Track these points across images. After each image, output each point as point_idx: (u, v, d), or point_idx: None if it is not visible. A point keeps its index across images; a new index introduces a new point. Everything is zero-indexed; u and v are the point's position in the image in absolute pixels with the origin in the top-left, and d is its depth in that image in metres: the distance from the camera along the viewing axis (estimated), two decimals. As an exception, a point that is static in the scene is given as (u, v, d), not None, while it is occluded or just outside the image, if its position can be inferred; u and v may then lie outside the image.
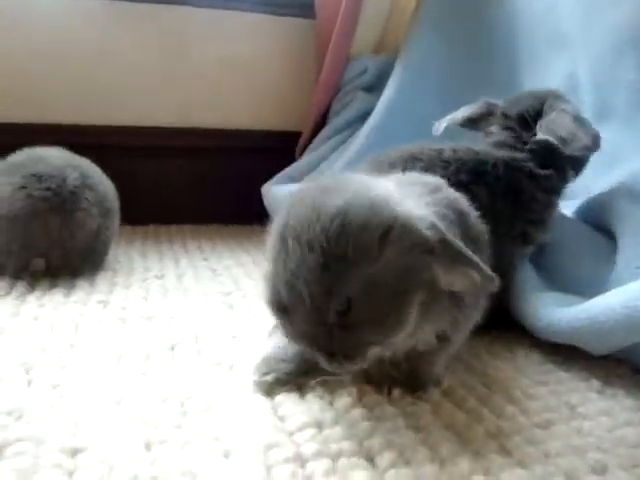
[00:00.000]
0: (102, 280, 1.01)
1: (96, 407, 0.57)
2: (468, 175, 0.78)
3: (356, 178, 0.56)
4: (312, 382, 0.62)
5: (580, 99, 1.18)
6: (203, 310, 0.87)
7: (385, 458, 0.50)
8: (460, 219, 0.59)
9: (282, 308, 0.51)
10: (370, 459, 0.50)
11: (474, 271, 0.52)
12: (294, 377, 0.63)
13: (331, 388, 0.62)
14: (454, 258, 0.52)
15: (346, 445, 0.52)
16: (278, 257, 0.50)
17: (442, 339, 0.59)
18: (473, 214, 0.64)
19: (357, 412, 0.57)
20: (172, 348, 0.73)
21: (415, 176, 0.67)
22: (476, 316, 0.62)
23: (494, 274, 0.53)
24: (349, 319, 0.49)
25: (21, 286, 0.94)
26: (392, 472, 0.48)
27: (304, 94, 1.63)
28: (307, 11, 1.61)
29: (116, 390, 0.61)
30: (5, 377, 0.63)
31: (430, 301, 0.53)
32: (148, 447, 0.51)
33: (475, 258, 0.52)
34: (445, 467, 0.50)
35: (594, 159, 1.11)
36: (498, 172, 0.81)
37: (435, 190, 0.60)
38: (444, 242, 0.51)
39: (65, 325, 0.79)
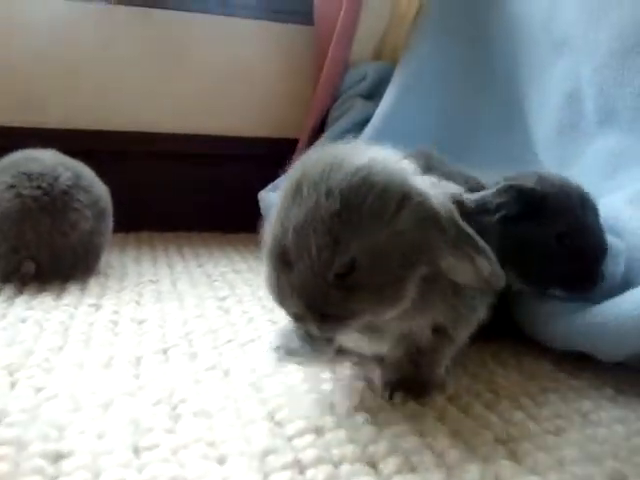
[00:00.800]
0: (94, 284, 0.98)
1: (83, 411, 0.54)
2: None
3: (371, 148, 0.54)
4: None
5: (583, 105, 1.17)
6: (198, 314, 0.84)
7: (390, 464, 0.47)
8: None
9: (284, 259, 0.49)
10: (373, 465, 0.47)
11: (483, 260, 0.50)
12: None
13: (331, 393, 0.59)
14: (464, 242, 0.50)
15: (348, 450, 0.49)
16: (290, 204, 0.49)
17: (441, 334, 0.57)
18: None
19: (359, 417, 0.54)
20: (165, 352, 0.70)
21: None
22: (480, 312, 0.60)
23: (501, 273, 0.51)
24: (349, 281, 0.48)
25: (9, 289, 0.91)
26: (397, 478, 0.46)
27: (302, 101, 1.61)
28: (306, 18, 1.60)
29: (105, 394, 0.58)
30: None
31: (431, 282, 0.52)
32: (137, 452, 0.48)
33: (486, 247, 0.50)
34: (453, 473, 0.47)
35: (598, 165, 1.10)
36: None
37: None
38: (456, 224, 0.50)
39: (54, 328, 0.76)
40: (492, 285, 0.53)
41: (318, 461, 0.47)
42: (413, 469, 0.47)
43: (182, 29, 1.55)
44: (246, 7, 1.60)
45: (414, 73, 1.40)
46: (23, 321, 0.78)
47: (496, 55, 1.36)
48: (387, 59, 1.53)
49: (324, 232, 0.47)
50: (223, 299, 0.93)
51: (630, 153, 1.03)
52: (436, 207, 0.50)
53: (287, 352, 0.58)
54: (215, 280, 1.05)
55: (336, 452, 0.48)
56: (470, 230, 0.51)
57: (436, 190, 0.53)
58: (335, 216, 0.47)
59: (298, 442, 0.50)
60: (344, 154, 0.50)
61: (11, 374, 0.61)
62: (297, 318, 0.51)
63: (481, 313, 0.60)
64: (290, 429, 0.52)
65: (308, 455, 0.48)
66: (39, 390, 0.58)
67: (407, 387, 0.59)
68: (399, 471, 0.47)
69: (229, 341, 0.74)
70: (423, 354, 0.58)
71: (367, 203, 0.47)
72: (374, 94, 1.50)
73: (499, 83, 1.35)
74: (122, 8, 1.50)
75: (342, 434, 0.51)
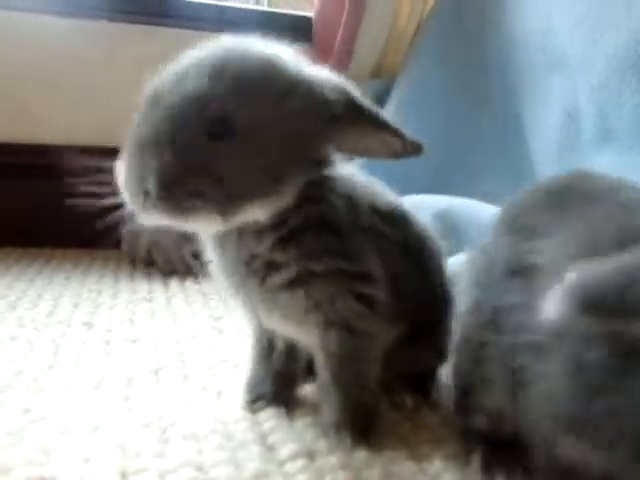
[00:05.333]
0: (86, 301, 0.96)
1: (70, 433, 0.53)
2: None
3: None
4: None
5: (582, 124, 1.17)
6: (192, 334, 0.83)
7: (384, 490, 0.46)
8: None
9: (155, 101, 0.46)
10: (367, 491, 0.46)
11: (392, 137, 0.49)
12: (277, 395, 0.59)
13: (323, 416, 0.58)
14: (366, 123, 0.49)
15: (341, 476, 0.47)
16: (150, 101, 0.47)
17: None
18: None
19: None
20: (156, 372, 0.69)
21: None
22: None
23: (419, 140, 0.50)
24: (223, 144, 0.45)
25: (3, 305, 0.90)
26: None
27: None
28: (305, 35, 1.60)
29: (94, 415, 0.56)
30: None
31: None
32: (124, 476, 0.46)
33: (393, 123, 0.49)
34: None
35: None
36: None
37: None
38: (352, 105, 0.48)
39: (45, 346, 0.75)
40: (411, 153, 0.50)
41: (309, 486, 0.46)
42: (407, 495, 0.46)
43: (182, 46, 1.55)
44: (245, 24, 1.60)
45: (413, 90, 1.40)
46: (13, 339, 0.77)
47: (493, 73, 1.36)
48: (385, 77, 1.53)
49: (207, 79, 0.44)
50: (218, 319, 0.91)
51: (628, 171, 1.02)
52: (324, 93, 0.48)
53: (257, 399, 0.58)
54: (211, 299, 1.04)
55: (329, 478, 0.47)
56: (371, 108, 0.49)
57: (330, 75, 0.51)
58: (220, 70, 0.45)
59: (290, 467, 0.49)
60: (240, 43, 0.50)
61: (-2, 394, 0.60)
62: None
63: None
64: (282, 453, 0.50)
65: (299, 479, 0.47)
66: (26, 411, 0.57)
67: (345, 427, 0.53)
68: (393, 497, 0.46)
69: (223, 361, 0.73)
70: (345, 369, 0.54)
71: (256, 72, 0.45)
72: (372, 111, 1.50)
73: (496, 101, 1.35)
74: (122, 24, 1.50)
75: (335, 459, 0.50)
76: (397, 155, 0.50)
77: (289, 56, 0.49)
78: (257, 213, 0.47)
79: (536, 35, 1.27)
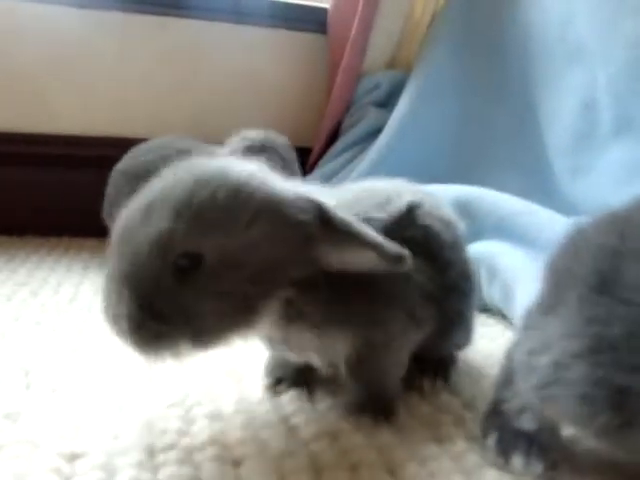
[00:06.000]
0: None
1: (97, 412, 0.54)
2: None
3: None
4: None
5: (599, 114, 1.16)
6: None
7: (407, 470, 0.46)
8: None
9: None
10: (391, 471, 0.47)
11: (371, 251, 0.47)
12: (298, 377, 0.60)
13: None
14: (343, 240, 0.47)
15: (365, 455, 0.48)
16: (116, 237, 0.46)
17: (372, 346, 0.53)
18: None
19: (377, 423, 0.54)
20: (178, 355, 0.69)
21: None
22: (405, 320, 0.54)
23: (402, 251, 0.48)
24: (192, 279, 0.43)
25: (24, 291, 0.91)
26: (416, 484, 0.45)
27: (315, 109, 1.61)
28: (320, 26, 1.61)
29: (119, 395, 0.57)
30: (3, 380, 0.59)
31: (300, 299, 0.49)
32: (151, 453, 0.47)
33: (372, 236, 0.47)
34: (470, 478, 0.46)
35: (613, 174, 1.09)
36: None
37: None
38: (326, 224, 0.47)
39: (68, 331, 0.76)
40: (396, 266, 0.48)
41: (335, 465, 0.47)
42: (432, 475, 0.47)
43: (195, 37, 1.56)
44: (259, 15, 1.61)
45: (428, 81, 1.40)
46: (38, 323, 0.78)
47: (510, 64, 1.36)
48: (401, 68, 1.53)
49: (170, 214, 0.43)
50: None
51: (646, 161, 1.02)
52: (296, 214, 0.46)
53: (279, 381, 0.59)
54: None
55: (353, 458, 0.48)
56: (347, 223, 0.47)
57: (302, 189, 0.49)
58: (185, 203, 0.43)
59: (314, 446, 0.49)
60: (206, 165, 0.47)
61: (26, 375, 0.61)
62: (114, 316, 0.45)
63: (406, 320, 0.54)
64: (305, 433, 0.51)
65: (324, 459, 0.47)
66: (54, 391, 0.58)
67: (366, 409, 0.55)
68: (417, 476, 0.46)
69: (245, 345, 0.74)
70: (366, 370, 0.55)
71: (221, 201, 0.44)
72: (387, 103, 1.50)
73: (513, 91, 1.35)
74: (137, 15, 1.51)
75: (359, 439, 0.50)
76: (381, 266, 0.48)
77: (260, 177, 0.47)
78: (236, 338, 0.48)
79: (554, 25, 1.27)
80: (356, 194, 0.58)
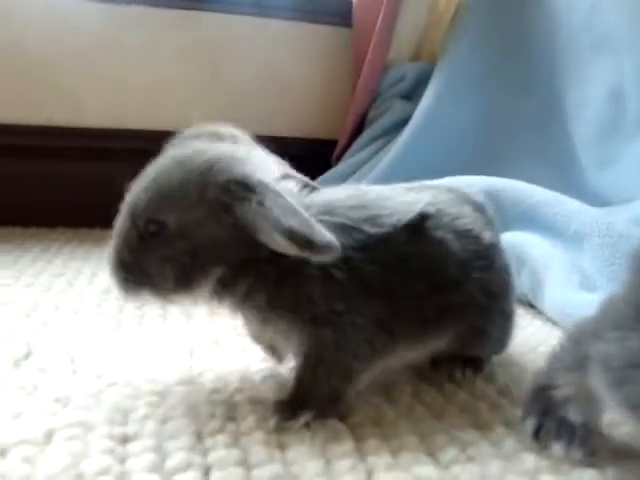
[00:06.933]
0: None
1: (143, 398, 0.55)
2: None
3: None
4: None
5: (626, 104, 1.16)
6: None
7: (448, 454, 0.48)
8: None
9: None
10: (432, 455, 0.48)
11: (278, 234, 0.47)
12: None
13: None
14: (258, 217, 0.48)
15: (407, 440, 0.49)
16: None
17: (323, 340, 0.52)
18: None
19: (417, 410, 0.55)
20: (216, 343, 0.71)
21: None
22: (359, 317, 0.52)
23: (329, 239, 0.47)
24: (155, 243, 0.51)
25: (61, 281, 0.94)
26: (456, 468, 0.46)
27: (341, 101, 1.62)
28: (344, 19, 1.61)
29: (162, 382, 0.59)
30: (50, 366, 0.61)
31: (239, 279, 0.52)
32: (200, 437, 0.49)
33: (300, 217, 0.47)
34: (510, 463, 0.47)
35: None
36: None
37: None
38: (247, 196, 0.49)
39: (106, 320, 0.78)
40: (321, 253, 0.47)
41: (378, 449, 0.48)
42: (471, 459, 0.48)
43: (220, 30, 1.57)
44: (283, 8, 1.61)
45: (453, 72, 1.40)
46: (76, 313, 0.80)
47: (535, 54, 1.36)
48: (426, 59, 1.53)
49: (143, 189, 0.52)
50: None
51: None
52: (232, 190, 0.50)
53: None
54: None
55: (395, 442, 0.49)
56: (276, 198, 0.48)
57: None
58: (153, 180, 0.52)
59: (358, 432, 0.50)
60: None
61: (72, 361, 0.63)
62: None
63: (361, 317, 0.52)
64: (349, 419, 0.52)
65: (368, 444, 0.49)
66: (99, 377, 0.59)
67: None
68: (457, 460, 0.47)
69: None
70: (313, 365, 0.53)
71: (178, 180, 0.51)
72: (413, 94, 1.50)
73: (538, 82, 1.35)
74: (161, 10, 1.52)
75: (402, 425, 0.52)
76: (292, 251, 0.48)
77: (229, 162, 0.51)
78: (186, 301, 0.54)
79: (580, 13, 1.26)
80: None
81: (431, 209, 0.57)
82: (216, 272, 0.52)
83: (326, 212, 0.53)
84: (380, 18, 1.45)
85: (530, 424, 0.50)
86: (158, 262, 0.51)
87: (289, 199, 0.49)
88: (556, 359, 0.51)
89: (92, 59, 1.47)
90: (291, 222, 0.47)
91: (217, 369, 0.63)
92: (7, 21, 1.39)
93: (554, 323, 0.85)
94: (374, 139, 1.48)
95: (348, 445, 0.48)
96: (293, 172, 0.59)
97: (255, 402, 0.55)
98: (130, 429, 0.49)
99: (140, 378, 0.60)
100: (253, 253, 0.51)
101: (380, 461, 0.46)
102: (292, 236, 0.46)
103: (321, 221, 0.49)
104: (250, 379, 0.61)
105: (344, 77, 1.63)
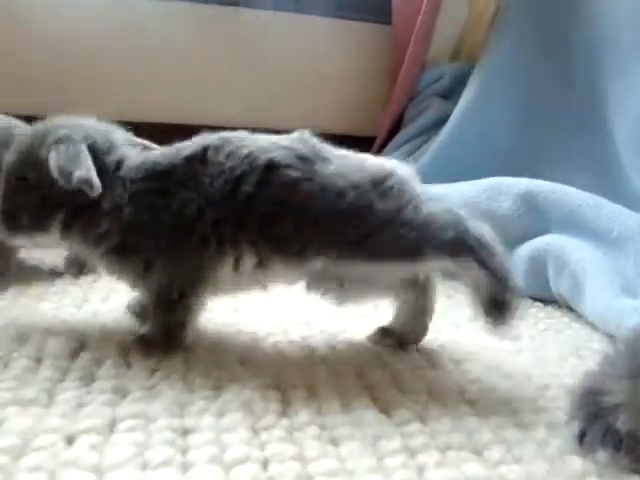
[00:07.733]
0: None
1: (197, 393, 0.57)
2: None
3: None
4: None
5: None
6: (290, 305, 0.87)
7: (495, 452, 0.49)
8: None
9: None
10: (479, 453, 0.49)
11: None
12: None
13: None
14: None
15: (453, 439, 0.51)
16: None
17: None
18: None
19: (462, 408, 0.57)
20: (264, 340, 0.73)
21: None
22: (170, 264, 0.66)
23: (87, 177, 0.62)
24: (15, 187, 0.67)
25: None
26: (503, 468, 0.47)
27: (378, 100, 1.63)
28: (383, 17, 1.62)
29: (214, 377, 0.61)
30: (104, 358, 0.63)
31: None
32: (255, 432, 0.50)
33: (75, 161, 0.64)
34: (555, 464, 0.48)
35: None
36: None
37: None
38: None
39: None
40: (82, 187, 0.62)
41: (425, 447, 0.49)
42: (517, 460, 0.49)
43: (258, 27, 1.59)
44: (323, 5, 1.63)
45: (494, 71, 1.40)
46: (104, 300, 0.83)
47: (577, 53, 1.34)
48: (465, 59, 1.53)
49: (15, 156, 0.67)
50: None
51: None
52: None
53: None
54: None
55: (442, 440, 0.51)
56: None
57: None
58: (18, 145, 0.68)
59: (406, 430, 0.52)
60: None
61: (125, 355, 0.65)
62: None
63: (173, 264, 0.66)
64: (397, 417, 0.54)
65: (416, 442, 0.50)
66: (153, 372, 0.61)
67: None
68: (503, 460, 0.48)
69: (321, 332, 0.77)
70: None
71: (28, 145, 0.67)
72: (451, 94, 1.51)
73: (580, 82, 1.34)
74: (202, 5, 1.54)
75: (447, 423, 0.53)
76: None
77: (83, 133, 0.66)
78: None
79: (624, 11, 1.25)
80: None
81: (216, 141, 0.68)
82: (59, 216, 0.65)
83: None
84: (421, 15, 1.45)
85: (576, 428, 0.51)
86: (18, 207, 0.66)
87: (82, 149, 0.63)
88: (609, 364, 0.51)
89: (148, 55, 1.50)
90: (62, 162, 0.62)
91: (267, 364, 0.65)
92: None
93: (593, 327, 0.86)
94: (412, 137, 1.49)
95: (396, 442, 0.50)
96: (137, 139, 0.73)
97: (307, 398, 0.57)
98: (189, 422, 0.51)
99: (194, 373, 0.61)
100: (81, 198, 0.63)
101: (430, 459, 0.48)
102: (60, 172, 0.62)
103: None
104: (299, 375, 0.62)
105: (383, 75, 1.64)
